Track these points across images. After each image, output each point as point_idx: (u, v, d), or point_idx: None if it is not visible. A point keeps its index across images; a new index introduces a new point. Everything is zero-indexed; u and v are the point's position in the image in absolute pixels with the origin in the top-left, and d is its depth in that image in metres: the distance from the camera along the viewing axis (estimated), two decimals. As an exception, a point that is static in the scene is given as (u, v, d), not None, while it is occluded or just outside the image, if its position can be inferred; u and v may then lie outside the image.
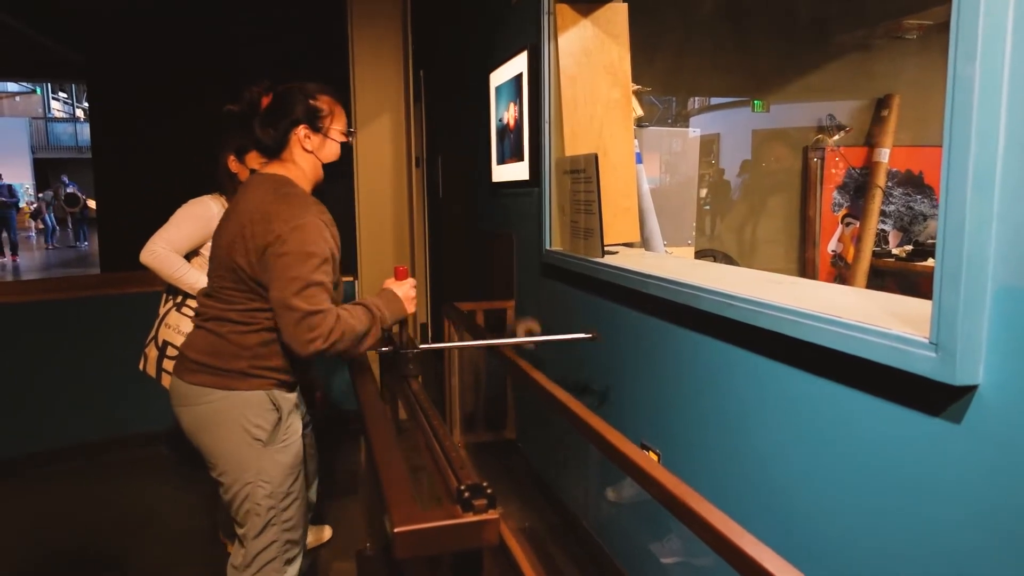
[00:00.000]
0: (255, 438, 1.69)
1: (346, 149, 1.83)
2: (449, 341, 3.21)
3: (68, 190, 17.50)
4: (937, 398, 1.04)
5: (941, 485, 1.05)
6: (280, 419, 1.73)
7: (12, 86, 23.01)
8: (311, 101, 1.72)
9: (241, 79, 1.83)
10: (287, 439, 1.75)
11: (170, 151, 5.11)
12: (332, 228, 1.67)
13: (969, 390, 0.99)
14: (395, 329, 1.83)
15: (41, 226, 17.78)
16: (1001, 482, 0.95)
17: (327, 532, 2.73)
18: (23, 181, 22.65)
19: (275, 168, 1.73)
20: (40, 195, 17.79)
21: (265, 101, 1.74)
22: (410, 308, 1.78)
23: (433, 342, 4.88)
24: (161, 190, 3.30)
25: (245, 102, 1.75)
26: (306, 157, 1.74)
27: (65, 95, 24.86)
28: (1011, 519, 0.94)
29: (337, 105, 1.78)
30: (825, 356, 1.24)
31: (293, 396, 1.79)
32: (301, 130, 1.71)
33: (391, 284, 1.79)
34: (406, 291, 1.78)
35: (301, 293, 1.54)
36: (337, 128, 1.76)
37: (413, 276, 1.84)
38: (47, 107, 24.31)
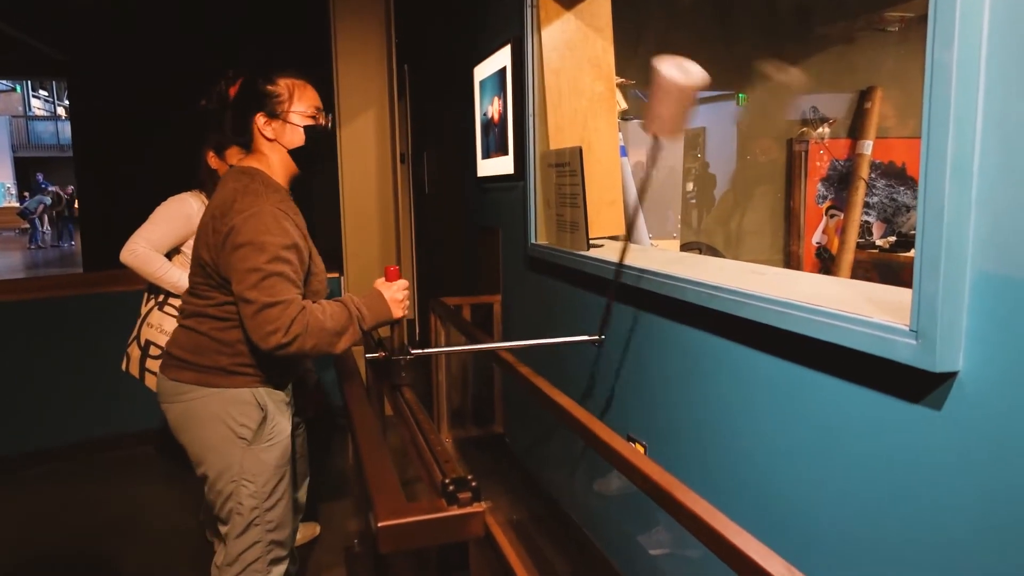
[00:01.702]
0: (239, 436, 1.67)
1: (322, 135, 1.70)
2: (436, 337, 3.20)
3: (50, 189, 17.34)
4: (918, 385, 1.04)
5: (922, 471, 1.06)
6: (265, 417, 1.70)
7: (-9, 84, 22.75)
8: (267, 86, 1.64)
9: (222, 76, 1.77)
10: (272, 438, 1.72)
11: (152, 149, 5.06)
12: (296, 217, 1.61)
13: (949, 377, 0.99)
14: (382, 332, 1.74)
15: (27, 226, 17.57)
16: (981, 468, 0.96)
17: (316, 529, 2.72)
18: (4, 180, 22.42)
19: (248, 161, 1.68)
20: (39, 198, 17.49)
21: (233, 91, 1.67)
22: (397, 312, 1.66)
23: (420, 338, 4.87)
24: (143, 188, 3.27)
25: (215, 96, 1.69)
26: (271, 146, 1.66)
27: (46, 93, 24.61)
28: (992, 504, 0.95)
29: (300, 85, 1.67)
30: (808, 345, 1.24)
31: (280, 395, 1.76)
32: (259, 118, 1.64)
33: (380, 285, 1.67)
34: (393, 293, 1.66)
35: (258, 285, 1.48)
36: (298, 111, 1.65)
37: (396, 268, 1.72)
38: (27, 105, 24.04)
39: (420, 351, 1.78)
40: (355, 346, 1.66)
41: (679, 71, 1.41)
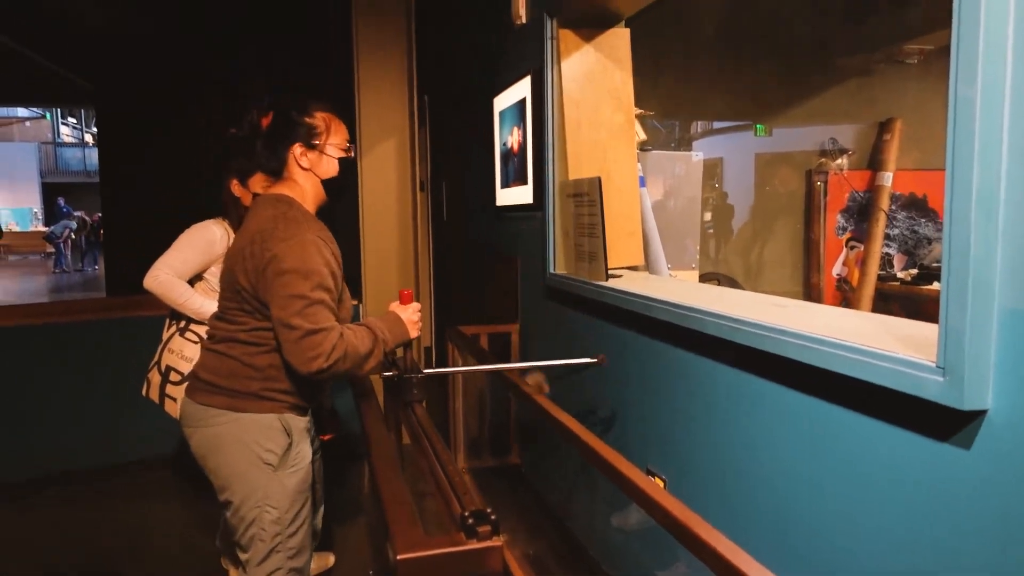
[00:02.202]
0: (265, 462, 1.68)
1: (351, 166, 1.81)
2: (453, 365, 3.20)
3: (76, 214, 17.63)
4: (945, 423, 1.02)
5: (951, 512, 1.03)
6: (291, 444, 1.72)
7: (22, 111, 23.32)
8: (306, 118, 1.71)
9: (247, 107, 1.82)
10: (296, 464, 1.74)
11: (176, 176, 5.16)
12: (332, 245, 1.67)
13: (978, 415, 0.97)
14: (399, 353, 1.82)
15: (51, 250, 17.86)
16: (1012, 509, 0.94)
17: (330, 559, 2.70)
18: (31, 205, 22.89)
19: (278, 188, 1.73)
20: (65, 223, 17.80)
21: (265, 122, 1.73)
22: (413, 332, 1.76)
23: (437, 366, 4.87)
24: (167, 215, 3.32)
25: (247, 125, 1.75)
26: (305, 175, 1.73)
27: (74, 120, 25.18)
28: (1023, 545, 0.93)
29: (334, 120, 1.76)
30: (831, 380, 1.23)
31: (305, 420, 1.78)
32: (297, 148, 1.70)
33: (395, 308, 1.78)
34: (409, 315, 1.77)
35: (302, 312, 1.53)
36: (334, 143, 1.74)
37: (417, 300, 1.84)
38: (56, 132, 24.61)
39: (431, 370, 1.90)
40: (375, 373, 1.73)
41: None
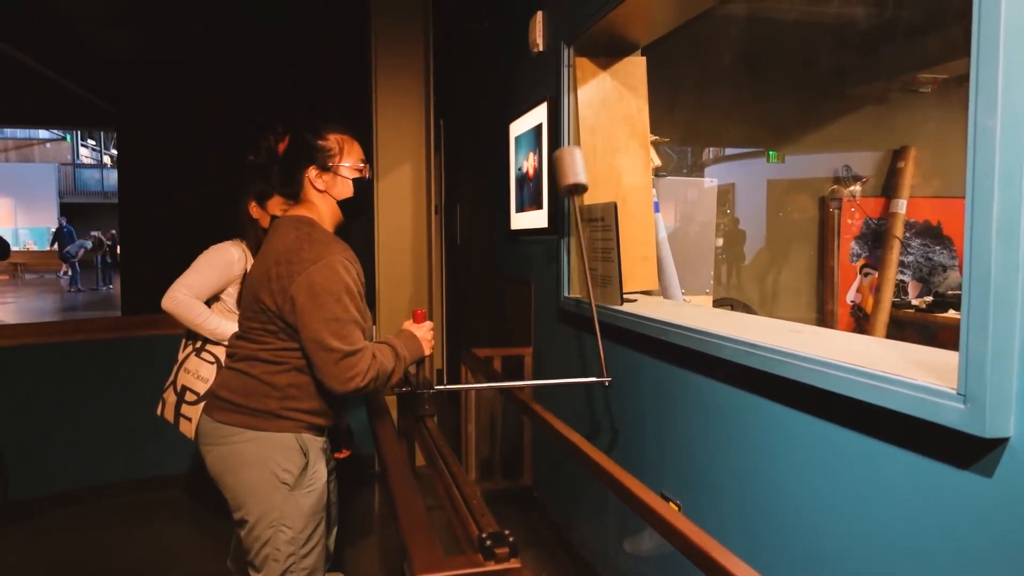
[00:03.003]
0: (282, 481, 1.68)
1: (368, 186, 1.83)
2: (474, 396, 3.22)
3: (92, 233, 17.83)
4: (967, 450, 1.02)
5: (972, 540, 1.02)
6: (307, 463, 1.72)
7: (43, 133, 23.72)
8: (319, 141, 1.72)
9: (263, 132, 1.84)
10: (312, 484, 1.74)
11: (194, 197, 5.22)
12: (356, 266, 1.69)
13: (1000, 442, 0.97)
14: (412, 370, 1.87)
15: (68, 270, 18.04)
16: (1036, 538, 0.93)
17: (340, 581, 2.69)
18: (50, 225, 23.18)
19: (297, 211, 1.75)
20: (80, 242, 18.02)
21: (281, 147, 1.76)
22: (427, 349, 1.82)
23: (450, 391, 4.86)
24: (184, 235, 3.36)
25: (264, 151, 1.77)
26: (321, 197, 1.74)
27: (93, 142, 25.56)
28: (1048, 577, 0.92)
29: (348, 141, 1.77)
30: (849, 406, 1.22)
31: (321, 440, 1.79)
32: (311, 171, 1.72)
33: (409, 326, 1.84)
34: (424, 333, 1.83)
35: (339, 333, 1.57)
36: (347, 164, 1.75)
37: (430, 320, 1.90)
38: (76, 153, 24.99)
39: (442, 386, 2.04)
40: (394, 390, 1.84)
41: None
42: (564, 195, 2.16)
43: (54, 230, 20.48)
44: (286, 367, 1.67)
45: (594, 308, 2.13)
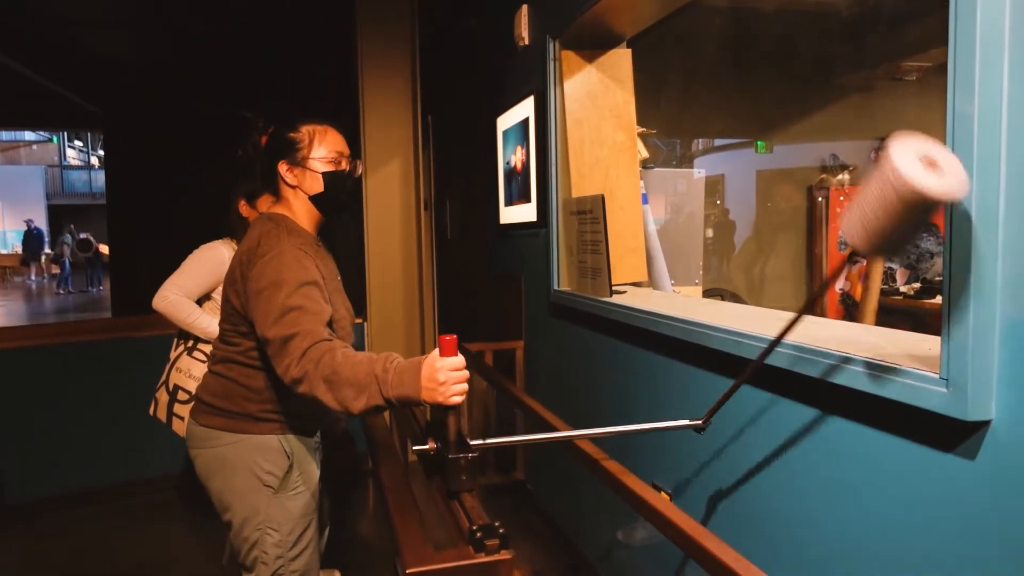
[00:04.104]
0: (265, 484, 1.66)
1: (351, 180, 1.69)
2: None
3: (81, 236, 17.71)
4: (950, 434, 1.03)
5: (956, 522, 1.04)
6: (291, 465, 1.69)
7: (29, 135, 23.53)
8: (289, 133, 1.64)
9: (246, 128, 1.78)
10: (298, 486, 1.71)
11: (183, 197, 5.20)
12: (319, 260, 1.61)
13: (982, 425, 0.98)
14: (445, 420, 1.30)
15: (56, 270, 17.92)
16: (1017, 518, 0.94)
17: (336, 577, 2.70)
18: (37, 227, 23.00)
19: (276, 208, 1.70)
20: (62, 238, 17.96)
21: (264, 141, 1.70)
22: (431, 395, 1.29)
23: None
24: (173, 236, 3.35)
25: (250, 147, 1.71)
26: (293, 193, 1.66)
27: (80, 143, 25.38)
28: (1030, 556, 0.93)
29: (321, 131, 1.66)
30: (836, 392, 1.24)
31: (308, 442, 1.76)
32: (282, 165, 1.64)
33: (430, 357, 1.32)
34: (432, 371, 1.29)
35: (278, 321, 1.44)
36: (317, 156, 1.64)
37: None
38: (63, 155, 24.80)
39: (481, 441, 1.32)
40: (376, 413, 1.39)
41: (928, 171, 0.87)
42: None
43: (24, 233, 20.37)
44: (261, 368, 1.62)
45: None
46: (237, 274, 1.59)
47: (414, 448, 1.37)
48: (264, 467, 1.66)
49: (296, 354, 1.38)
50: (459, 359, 1.30)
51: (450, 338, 1.30)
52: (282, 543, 1.68)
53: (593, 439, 1.74)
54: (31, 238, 18.90)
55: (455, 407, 1.29)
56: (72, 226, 18.78)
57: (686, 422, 1.48)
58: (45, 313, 13.32)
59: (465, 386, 1.31)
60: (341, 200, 1.70)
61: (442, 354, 1.30)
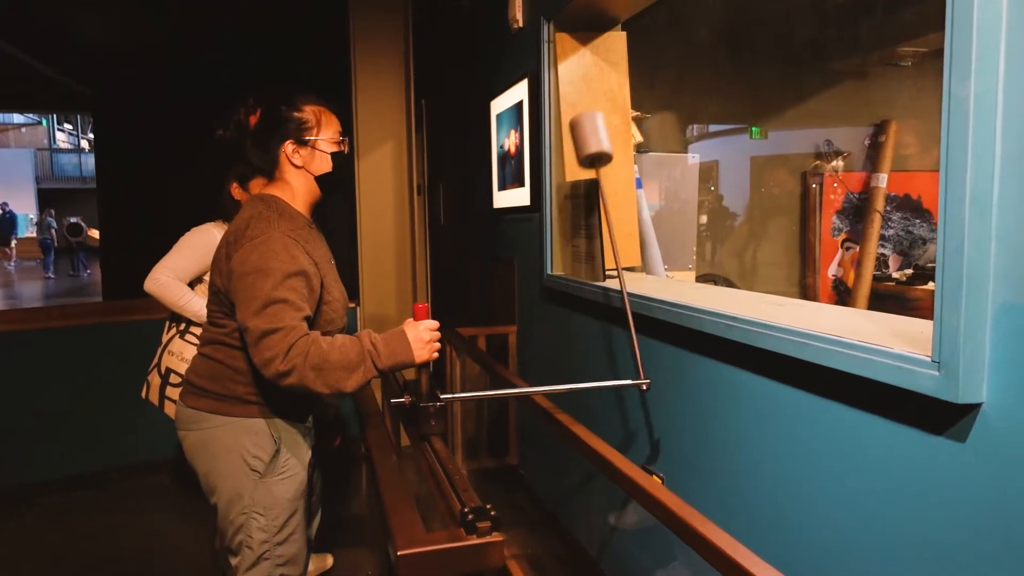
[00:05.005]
0: (251, 468, 1.65)
1: (346, 160, 1.71)
2: (451, 368, 3.20)
3: (72, 220, 17.58)
4: (941, 417, 1.04)
5: (947, 504, 1.04)
6: (279, 450, 1.68)
7: (18, 117, 23.27)
8: (294, 113, 1.62)
9: (235, 102, 1.70)
10: (285, 471, 1.69)
11: (174, 180, 5.16)
12: (310, 244, 1.58)
13: (973, 408, 0.99)
14: (407, 375, 1.61)
15: (26, 256, 17.81)
16: (1007, 501, 0.95)
17: (328, 560, 2.71)
18: (27, 212, 22.83)
19: (270, 189, 1.66)
20: (45, 220, 17.84)
21: (253, 120, 1.64)
22: (420, 354, 1.53)
23: (434, 368, 4.86)
24: (164, 219, 3.33)
25: (233, 125, 1.66)
26: (298, 174, 1.64)
27: (70, 126, 25.13)
28: (1018, 537, 0.94)
29: (325, 112, 1.66)
30: (828, 376, 1.24)
31: (298, 427, 1.74)
32: (288, 146, 1.61)
33: (407, 324, 1.56)
34: (418, 333, 1.53)
35: (261, 312, 1.43)
36: (325, 138, 1.64)
37: (422, 306, 1.61)
38: (52, 138, 24.56)
39: (450, 395, 1.60)
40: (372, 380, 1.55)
41: None
42: (586, 166, 1.84)
43: (32, 216, 20.20)
44: (245, 350, 1.57)
45: (627, 301, 1.79)
46: (223, 253, 1.57)
47: (391, 401, 1.61)
48: (251, 450, 1.65)
49: (281, 349, 1.41)
50: (434, 322, 1.56)
51: (423, 305, 1.57)
52: (267, 528, 1.67)
53: (585, 425, 1.74)
54: (3, 222, 18.73)
55: (426, 365, 1.54)
56: (52, 210, 18.62)
57: (630, 381, 1.76)
58: (25, 299, 13.24)
59: (439, 344, 1.57)
60: (342, 178, 1.71)
61: (417, 318, 1.55)
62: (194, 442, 1.69)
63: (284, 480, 1.70)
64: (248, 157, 1.68)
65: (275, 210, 1.58)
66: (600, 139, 1.79)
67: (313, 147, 1.63)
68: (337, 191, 1.74)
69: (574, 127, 1.84)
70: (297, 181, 1.65)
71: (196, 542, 2.88)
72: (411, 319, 1.56)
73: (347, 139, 1.70)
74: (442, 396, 1.56)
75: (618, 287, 2.11)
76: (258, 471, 1.66)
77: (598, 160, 1.83)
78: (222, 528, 1.71)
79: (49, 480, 3.43)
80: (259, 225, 1.53)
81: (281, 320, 1.43)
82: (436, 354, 1.55)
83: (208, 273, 2.46)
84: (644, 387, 1.74)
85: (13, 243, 19.40)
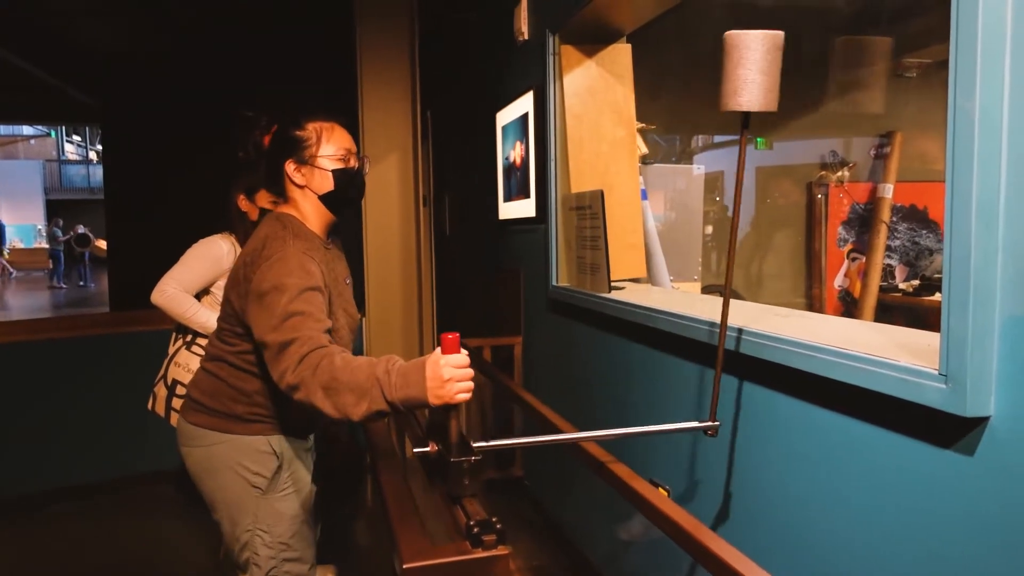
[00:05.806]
0: (253, 485, 1.64)
1: (354, 176, 1.62)
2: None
3: (80, 231, 17.67)
4: (948, 430, 1.03)
5: (954, 518, 1.04)
6: (280, 467, 1.66)
7: (28, 129, 23.46)
8: (296, 131, 1.58)
9: (246, 126, 1.71)
10: (288, 487, 1.69)
11: (181, 192, 5.18)
12: (323, 264, 1.55)
13: (981, 421, 0.98)
14: (438, 420, 1.27)
15: (50, 265, 17.91)
16: (1016, 514, 0.94)
17: (331, 573, 2.69)
18: (36, 222, 22.98)
19: (284, 207, 1.64)
20: (52, 230, 17.96)
21: (267, 140, 1.64)
22: (436, 394, 1.23)
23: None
24: (172, 230, 3.34)
25: (251, 147, 1.66)
26: (302, 193, 1.59)
27: (79, 138, 25.31)
28: (1028, 553, 0.93)
29: (328, 128, 1.59)
30: (835, 389, 1.23)
31: (300, 443, 1.73)
32: (289, 165, 1.57)
33: (432, 356, 1.27)
34: (437, 370, 1.23)
35: (279, 327, 1.38)
36: (326, 155, 1.57)
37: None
38: (61, 150, 24.74)
39: (483, 444, 1.28)
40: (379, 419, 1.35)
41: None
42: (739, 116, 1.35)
43: (40, 227, 20.32)
44: (252, 372, 1.59)
45: (721, 341, 1.38)
46: (240, 275, 1.54)
47: (415, 451, 1.34)
48: (251, 468, 1.64)
49: (293, 360, 1.33)
50: (463, 356, 1.26)
51: (453, 336, 1.26)
52: (273, 544, 1.67)
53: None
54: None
55: (456, 407, 1.24)
56: (60, 220, 18.72)
57: (696, 424, 1.43)
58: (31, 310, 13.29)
59: (470, 384, 1.26)
60: (350, 198, 1.65)
61: (444, 352, 1.25)
62: (196, 460, 1.68)
63: (287, 496, 1.69)
64: (261, 177, 1.68)
65: (290, 231, 1.55)
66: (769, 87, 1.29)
67: (313, 165, 1.58)
68: (348, 208, 1.68)
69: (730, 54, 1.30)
70: (304, 200, 1.61)
71: (201, 552, 2.88)
72: (438, 349, 1.28)
73: (355, 155, 1.64)
74: (475, 446, 1.25)
75: (625, 299, 2.11)
76: (260, 488, 1.65)
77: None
78: (229, 545, 1.71)
79: (56, 489, 3.44)
80: (274, 244, 1.50)
81: (298, 331, 1.37)
82: (464, 396, 1.25)
83: (215, 285, 2.48)
84: (711, 432, 1.44)
85: (6, 252, 19.50)
